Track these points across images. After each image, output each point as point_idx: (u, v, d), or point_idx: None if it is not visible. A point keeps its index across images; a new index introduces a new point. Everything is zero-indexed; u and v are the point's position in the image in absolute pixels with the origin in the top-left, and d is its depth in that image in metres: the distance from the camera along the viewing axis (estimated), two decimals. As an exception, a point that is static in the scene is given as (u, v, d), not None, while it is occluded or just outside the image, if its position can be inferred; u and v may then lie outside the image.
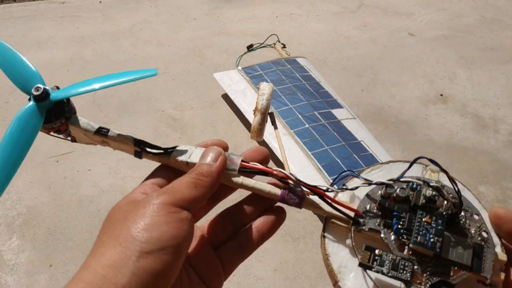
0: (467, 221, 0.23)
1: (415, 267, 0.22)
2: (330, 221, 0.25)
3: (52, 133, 0.27)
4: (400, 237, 0.22)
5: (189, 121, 1.41)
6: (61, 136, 0.28)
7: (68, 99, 0.26)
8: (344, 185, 0.26)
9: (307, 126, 1.18)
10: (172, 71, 1.66)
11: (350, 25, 2.05)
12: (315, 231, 1.07)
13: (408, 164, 0.25)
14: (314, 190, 0.25)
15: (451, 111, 1.51)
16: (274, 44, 1.48)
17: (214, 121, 1.42)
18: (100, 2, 2.14)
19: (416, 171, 0.26)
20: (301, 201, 0.24)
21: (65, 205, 1.12)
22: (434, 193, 0.23)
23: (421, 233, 0.22)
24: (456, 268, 0.22)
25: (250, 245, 0.26)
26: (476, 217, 0.24)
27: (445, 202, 0.23)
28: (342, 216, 0.24)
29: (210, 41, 1.87)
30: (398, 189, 0.24)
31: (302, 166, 1.07)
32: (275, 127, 0.35)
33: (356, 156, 1.09)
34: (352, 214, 0.24)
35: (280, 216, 0.26)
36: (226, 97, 1.46)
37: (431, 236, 0.22)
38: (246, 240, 0.26)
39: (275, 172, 0.25)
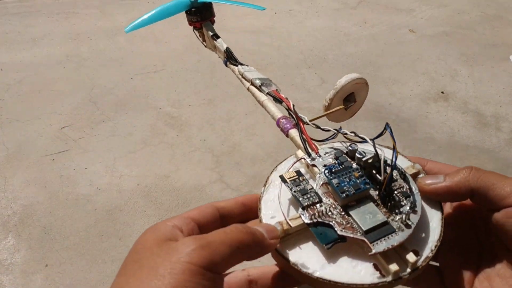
0: (405, 207, 0.24)
1: (318, 202, 0.24)
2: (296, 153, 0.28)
3: (194, 30, 0.41)
4: (329, 176, 0.25)
5: (187, 119, 1.40)
6: (200, 39, 0.42)
7: (211, 9, 0.40)
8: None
9: None
10: (170, 68, 1.64)
11: (350, 21, 2.03)
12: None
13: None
14: (297, 117, 0.30)
15: (452, 109, 1.49)
16: None
17: (212, 119, 1.40)
18: (97, -2, 2.12)
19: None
20: (288, 130, 0.29)
21: (61, 204, 1.11)
22: (375, 162, 0.25)
23: (341, 178, 0.25)
24: (354, 225, 0.23)
25: None
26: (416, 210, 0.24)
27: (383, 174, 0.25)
28: (302, 148, 0.28)
29: (208, 37, 1.85)
30: (361, 153, 0.26)
31: None
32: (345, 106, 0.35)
33: None
34: (311, 150, 0.28)
35: None
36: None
37: (347, 185, 0.24)
38: None
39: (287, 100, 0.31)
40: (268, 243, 0.22)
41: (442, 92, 1.57)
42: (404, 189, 0.25)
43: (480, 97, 1.55)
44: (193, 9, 0.41)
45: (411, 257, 0.22)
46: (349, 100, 0.35)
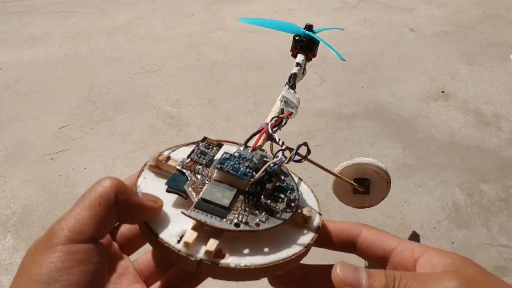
0: (254, 216, 0.23)
1: (204, 165, 0.25)
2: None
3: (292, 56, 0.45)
4: (228, 153, 0.27)
5: (186, 119, 1.39)
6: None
7: (314, 46, 0.46)
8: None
9: None
10: (169, 67, 1.64)
11: (350, 20, 2.02)
12: (315, 230, 1.05)
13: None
14: (272, 124, 0.33)
15: (453, 108, 1.49)
16: None
17: (211, 118, 1.40)
18: (97, -3, 2.11)
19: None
20: (262, 127, 0.32)
21: (61, 204, 1.10)
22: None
23: (233, 159, 0.25)
24: (201, 191, 0.24)
25: None
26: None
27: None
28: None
29: (207, 37, 1.84)
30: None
31: None
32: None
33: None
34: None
35: None
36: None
37: (230, 163, 0.25)
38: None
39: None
40: (140, 199, 0.21)
41: (443, 92, 1.57)
42: (274, 207, 0.24)
43: (480, 96, 1.55)
44: (298, 37, 0.45)
45: (210, 245, 0.21)
46: (362, 184, 0.34)
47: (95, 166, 1.21)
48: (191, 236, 0.21)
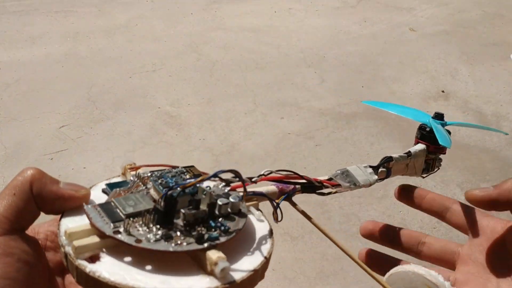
0: (149, 232, 0.21)
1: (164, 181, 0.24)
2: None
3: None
4: (177, 173, 0.25)
5: (186, 118, 1.39)
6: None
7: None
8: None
9: None
10: (169, 67, 1.63)
11: (350, 20, 2.02)
12: (314, 230, 1.05)
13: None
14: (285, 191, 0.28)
15: (453, 108, 1.49)
16: None
17: (211, 118, 1.39)
18: (96, -4, 2.11)
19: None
20: (277, 185, 0.28)
21: (60, 204, 1.10)
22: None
23: (174, 178, 0.24)
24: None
25: None
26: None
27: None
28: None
29: (207, 36, 1.84)
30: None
31: None
32: None
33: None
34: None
35: None
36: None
37: (168, 181, 0.24)
38: None
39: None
40: (58, 188, 0.20)
41: (443, 91, 1.57)
42: (173, 231, 0.21)
43: (480, 96, 1.55)
44: (423, 125, 0.38)
45: (81, 241, 0.20)
46: None
47: (95, 165, 1.20)
48: (76, 227, 0.20)
